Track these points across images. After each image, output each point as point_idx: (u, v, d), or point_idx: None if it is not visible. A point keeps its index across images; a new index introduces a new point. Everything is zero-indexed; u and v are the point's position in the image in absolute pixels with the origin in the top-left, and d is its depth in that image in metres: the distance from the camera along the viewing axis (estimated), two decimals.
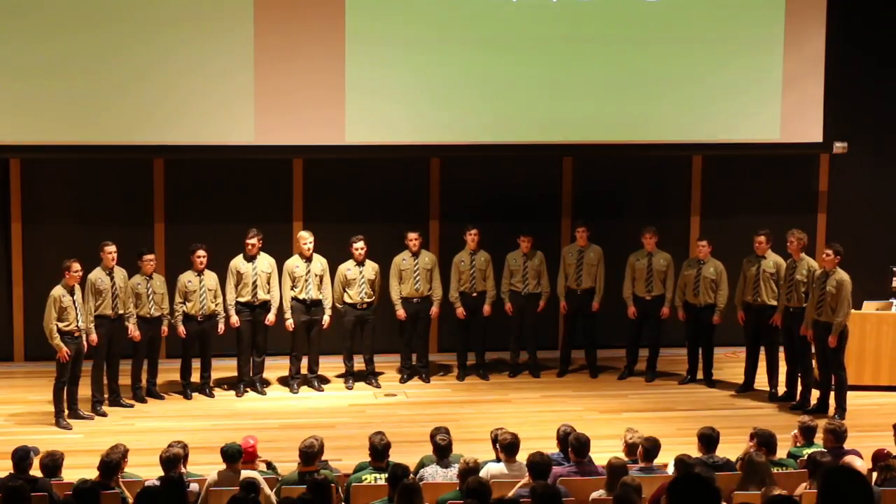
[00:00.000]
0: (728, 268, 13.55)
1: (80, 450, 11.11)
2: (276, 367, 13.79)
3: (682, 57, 14.31)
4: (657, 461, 9.49)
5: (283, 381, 13.68)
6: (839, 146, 14.73)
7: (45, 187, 14.30)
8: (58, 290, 12.13)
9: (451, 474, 9.21)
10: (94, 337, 12.40)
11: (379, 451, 9.35)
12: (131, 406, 12.83)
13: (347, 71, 13.80)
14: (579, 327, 14.03)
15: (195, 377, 13.26)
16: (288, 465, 9.81)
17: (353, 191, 14.62)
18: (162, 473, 9.03)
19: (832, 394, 12.54)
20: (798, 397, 12.96)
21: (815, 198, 15.23)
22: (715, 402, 13.17)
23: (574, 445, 9.36)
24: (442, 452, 9.40)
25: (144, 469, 9.72)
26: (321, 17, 13.73)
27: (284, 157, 14.31)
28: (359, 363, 13.68)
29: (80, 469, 9.70)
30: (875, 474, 9.18)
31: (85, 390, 12.54)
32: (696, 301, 13.55)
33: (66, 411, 12.26)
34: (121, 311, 12.63)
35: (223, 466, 9.32)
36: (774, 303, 13.14)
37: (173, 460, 9.13)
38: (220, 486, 9.10)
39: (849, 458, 9.23)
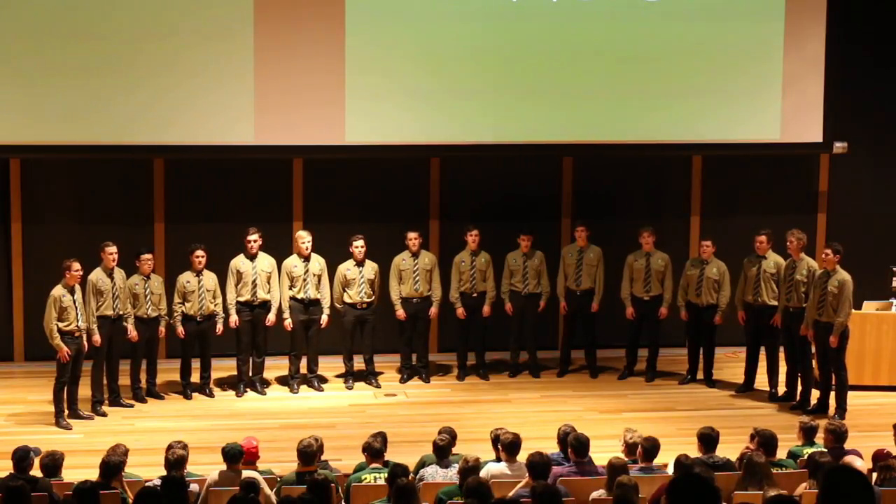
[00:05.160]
0: (728, 268, 13.56)
1: (80, 450, 11.11)
2: (275, 367, 13.80)
3: (682, 57, 14.31)
4: (657, 461, 9.49)
5: (283, 381, 13.68)
6: (839, 146, 14.72)
7: (45, 187, 14.30)
8: (58, 290, 12.13)
9: (451, 474, 9.21)
10: (97, 338, 12.40)
11: (375, 450, 9.36)
12: (131, 406, 12.83)
13: (347, 71, 13.79)
14: (579, 327, 14.02)
15: (195, 377, 13.26)
16: (288, 465, 9.81)
17: (353, 191, 14.62)
18: (164, 473, 9.03)
19: (832, 394, 12.54)
20: (798, 397, 12.96)
21: (815, 198, 15.23)
22: (715, 402, 13.17)
23: (574, 445, 9.36)
24: (441, 452, 9.40)
25: (144, 469, 9.72)
26: (321, 17, 13.73)
27: (284, 157, 14.31)
28: (359, 363, 13.68)
29: (80, 469, 9.72)
30: (875, 474, 9.18)
31: (85, 390, 12.54)
32: (698, 301, 13.55)
33: (66, 411, 12.26)
34: (121, 312, 12.63)
35: (223, 466, 9.32)
36: (775, 303, 13.14)
37: (180, 461, 9.13)
38: (220, 486, 9.11)
39: (849, 458, 9.24)
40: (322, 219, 14.36)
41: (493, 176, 14.81)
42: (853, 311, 12.62)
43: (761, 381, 13.40)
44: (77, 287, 12.24)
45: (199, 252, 13.08)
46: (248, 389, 13.33)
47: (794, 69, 14.39)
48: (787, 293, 12.93)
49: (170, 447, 9.35)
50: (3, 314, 14.33)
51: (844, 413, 12.30)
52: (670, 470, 9.38)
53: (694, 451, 9.54)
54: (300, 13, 13.69)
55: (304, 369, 13.55)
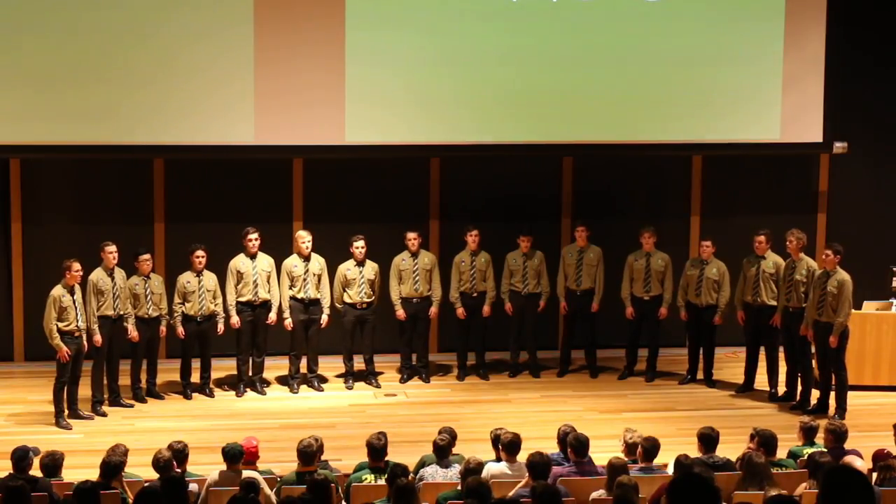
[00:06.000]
0: (728, 268, 13.55)
1: (80, 450, 11.12)
2: (275, 367, 13.80)
3: (682, 57, 14.30)
4: (657, 461, 9.49)
5: (283, 381, 13.68)
6: (839, 146, 14.72)
7: (45, 187, 14.30)
8: (58, 290, 12.13)
9: (451, 474, 9.21)
10: (97, 338, 12.40)
11: (377, 450, 9.35)
12: (131, 406, 12.83)
13: (347, 71, 13.80)
14: (579, 327, 14.02)
15: (195, 377, 13.26)
16: (288, 465, 9.81)
17: (353, 191, 14.62)
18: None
19: (832, 394, 12.55)
20: (798, 397, 12.96)
21: (815, 198, 15.23)
22: (715, 402, 13.18)
23: (574, 445, 9.36)
24: (441, 452, 9.40)
25: (144, 469, 9.71)
26: (321, 17, 13.73)
27: (284, 157, 14.31)
28: (359, 363, 13.68)
29: (80, 469, 9.72)
30: (875, 474, 9.18)
31: (85, 390, 12.54)
32: (697, 301, 13.55)
33: (66, 411, 12.25)
34: (121, 312, 12.62)
35: (223, 466, 9.32)
36: (774, 303, 13.14)
37: (166, 464, 9.13)
38: (221, 486, 9.11)
39: (849, 458, 9.24)
40: (322, 219, 14.36)
41: (493, 176, 14.81)
42: (853, 311, 12.63)
43: (761, 381, 13.40)
44: (77, 287, 12.23)
45: (200, 252, 13.08)
46: (248, 389, 13.33)
47: (794, 69, 14.39)
48: (786, 293, 12.93)
49: (168, 447, 9.37)
50: (3, 314, 14.33)
51: (844, 413, 12.30)
52: (670, 470, 9.38)
53: (694, 451, 9.54)
54: (300, 13, 13.69)
55: (304, 369, 13.55)
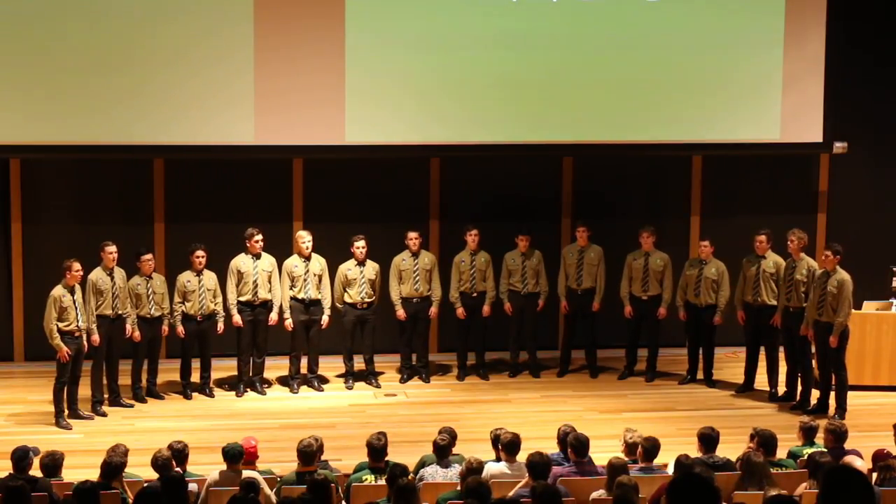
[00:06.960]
0: (728, 268, 13.56)
1: (80, 450, 11.12)
2: (275, 367, 13.80)
3: (682, 57, 14.31)
4: (657, 461, 9.49)
5: (283, 381, 13.68)
6: (839, 146, 14.72)
7: (45, 187, 14.30)
8: (58, 290, 12.13)
9: (451, 474, 9.21)
10: (95, 337, 12.40)
11: (377, 450, 9.35)
12: (131, 406, 12.83)
13: (347, 71, 13.80)
14: (579, 327, 14.02)
15: (195, 377, 13.26)
16: (288, 465, 9.82)
17: (353, 191, 14.62)
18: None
19: (832, 394, 12.55)
20: (798, 397, 12.96)
21: (815, 198, 15.23)
22: (715, 402, 13.18)
23: (574, 445, 9.36)
24: (441, 452, 9.40)
25: (144, 469, 9.71)
26: (321, 17, 13.73)
27: (284, 157, 14.32)
28: (359, 363, 13.68)
29: (80, 469, 9.72)
30: (875, 474, 9.19)
31: (85, 390, 12.54)
32: (697, 301, 13.55)
33: (66, 411, 12.25)
34: (120, 312, 12.62)
35: (223, 466, 9.32)
36: (774, 303, 13.14)
37: (165, 463, 9.14)
38: (221, 486, 9.11)
39: (849, 458, 9.24)
40: (322, 219, 14.36)
41: (493, 176, 14.81)
42: (853, 311, 12.62)
43: (761, 381, 13.40)
44: (77, 287, 12.23)
45: (200, 252, 13.08)
46: (248, 389, 13.33)
47: (794, 69, 14.39)
48: (786, 293, 12.93)
49: (169, 447, 9.38)
50: (3, 314, 14.33)
51: (844, 413, 12.30)
52: (670, 470, 9.38)
53: (694, 451, 9.54)
54: (300, 13, 13.70)
55: (304, 369, 13.55)
